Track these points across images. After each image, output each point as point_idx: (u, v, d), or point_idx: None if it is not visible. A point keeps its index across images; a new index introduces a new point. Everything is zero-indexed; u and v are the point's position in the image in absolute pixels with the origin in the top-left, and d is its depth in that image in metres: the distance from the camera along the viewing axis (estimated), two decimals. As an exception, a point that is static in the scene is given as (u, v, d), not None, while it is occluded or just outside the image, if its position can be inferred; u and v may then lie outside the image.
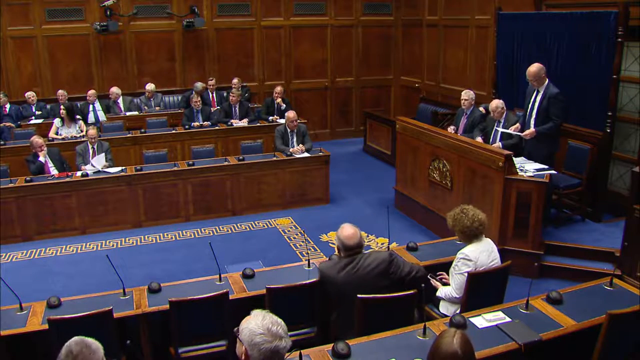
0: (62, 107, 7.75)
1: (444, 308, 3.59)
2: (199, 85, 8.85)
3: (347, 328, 3.17)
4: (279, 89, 8.44)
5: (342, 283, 3.20)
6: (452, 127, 6.51)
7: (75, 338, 1.95)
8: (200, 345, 3.41)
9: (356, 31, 10.24)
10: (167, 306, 3.26)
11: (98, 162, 6.34)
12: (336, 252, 3.45)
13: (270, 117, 8.28)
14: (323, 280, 3.31)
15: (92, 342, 1.95)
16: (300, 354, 2.48)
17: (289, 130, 6.98)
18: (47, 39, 8.68)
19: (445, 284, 3.60)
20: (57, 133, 7.59)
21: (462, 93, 6.40)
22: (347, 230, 3.27)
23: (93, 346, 1.93)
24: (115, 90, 8.55)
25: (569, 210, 5.70)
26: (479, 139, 5.74)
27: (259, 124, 8.22)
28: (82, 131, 7.55)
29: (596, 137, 5.55)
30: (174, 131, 7.85)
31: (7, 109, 8.15)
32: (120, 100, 8.59)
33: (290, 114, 6.91)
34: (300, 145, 6.91)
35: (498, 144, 5.60)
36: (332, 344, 2.80)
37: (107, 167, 6.34)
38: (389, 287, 3.23)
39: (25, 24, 8.53)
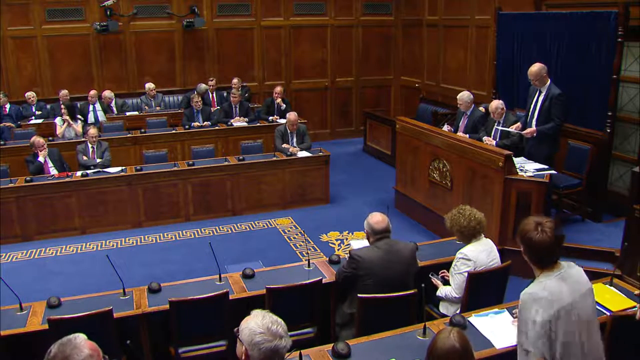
0: (62, 105, 7.74)
1: (444, 308, 3.59)
2: (202, 87, 8.87)
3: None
4: (279, 89, 8.44)
5: (379, 262, 3.29)
6: (447, 126, 6.50)
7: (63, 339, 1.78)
8: (200, 345, 3.41)
9: (356, 31, 10.24)
10: (167, 306, 3.26)
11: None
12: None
13: (270, 117, 8.29)
14: (356, 265, 3.32)
15: (74, 338, 1.78)
16: (300, 354, 2.48)
17: (289, 130, 6.98)
18: (47, 39, 8.68)
19: (447, 281, 3.61)
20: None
21: (458, 97, 6.33)
22: (376, 217, 3.44)
23: (74, 342, 1.76)
24: (107, 94, 8.50)
25: (569, 210, 5.70)
26: (486, 139, 5.70)
27: (259, 124, 8.22)
28: (76, 135, 7.53)
29: (596, 137, 5.55)
30: (174, 131, 7.85)
31: (7, 109, 8.15)
32: (113, 104, 8.55)
33: (292, 116, 6.92)
34: (296, 148, 6.93)
35: (492, 142, 5.59)
36: (332, 344, 2.80)
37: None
38: (411, 275, 3.34)
39: (25, 24, 8.53)
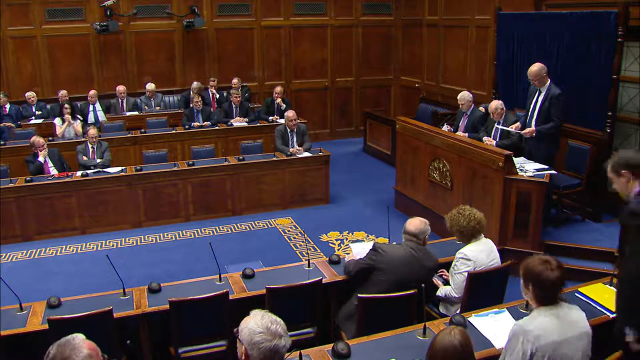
0: (65, 105, 7.73)
1: (444, 308, 3.59)
2: (196, 84, 8.83)
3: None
4: (279, 89, 8.44)
5: (399, 260, 3.34)
6: (447, 126, 6.48)
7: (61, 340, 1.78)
8: (200, 345, 3.41)
9: (356, 31, 10.24)
10: (167, 306, 3.26)
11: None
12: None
13: (270, 117, 8.29)
14: (376, 257, 3.38)
15: (72, 338, 1.79)
16: (300, 354, 2.48)
17: (288, 130, 6.98)
18: (47, 39, 8.68)
19: (446, 281, 3.61)
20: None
21: (458, 97, 6.32)
22: (414, 220, 3.50)
23: (72, 343, 1.77)
24: (121, 89, 8.58)
25: (569, 210, 5.70)
26: (486, 139, 5.70)
27: (259, 124, 8.22)
28: (76, 135, 7.54)
29: (596, 137, 5.55)
30: (174, 131, 7.85)
31: (7, 109, 8.15)
32: (125, 100, 8.60)
33: (290, 113, 6.92)
34: (299, 148, 6.91)
35: (492, 142, 5.59)
36: (332, 344, 2.80)
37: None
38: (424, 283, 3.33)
39: (25, 24, 8.53)
